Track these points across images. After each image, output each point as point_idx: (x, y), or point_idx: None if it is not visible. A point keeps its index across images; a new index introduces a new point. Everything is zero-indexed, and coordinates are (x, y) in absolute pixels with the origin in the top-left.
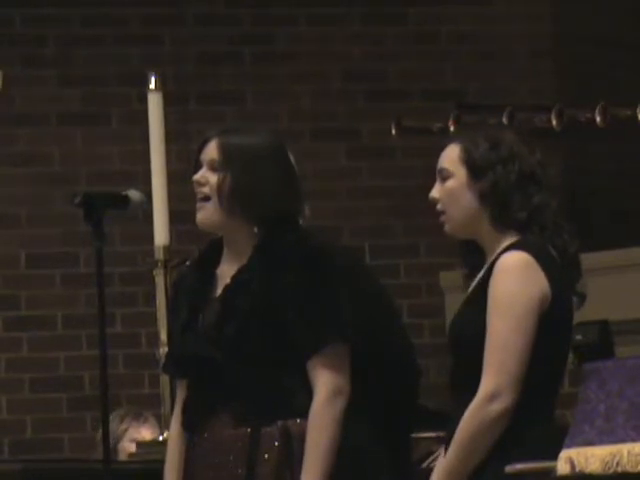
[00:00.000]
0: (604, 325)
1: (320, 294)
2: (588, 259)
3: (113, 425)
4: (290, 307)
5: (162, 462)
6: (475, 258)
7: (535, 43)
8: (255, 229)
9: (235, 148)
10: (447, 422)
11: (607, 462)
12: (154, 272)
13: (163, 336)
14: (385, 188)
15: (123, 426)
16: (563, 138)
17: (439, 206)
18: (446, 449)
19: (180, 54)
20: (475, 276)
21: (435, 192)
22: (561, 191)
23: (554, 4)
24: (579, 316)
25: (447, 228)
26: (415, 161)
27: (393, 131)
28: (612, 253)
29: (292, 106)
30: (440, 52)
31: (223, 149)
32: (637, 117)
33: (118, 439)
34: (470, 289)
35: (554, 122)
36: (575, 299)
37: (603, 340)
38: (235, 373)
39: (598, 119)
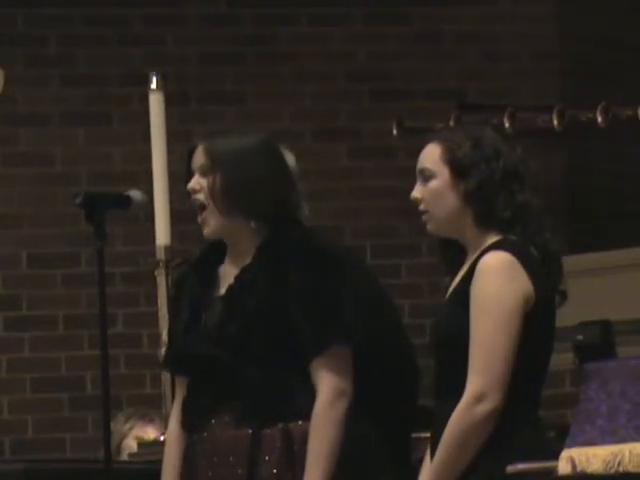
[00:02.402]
0: (606, 325)
1: (324, 294)
2: (590, 259)
3: (118, 424)
4: (293, 307)
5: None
6: (456, 257)
7: (538, 43)
8: (252, 224)
9: (221, 149)
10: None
11: (609, 462)
12: (156, 272)
13: (165, 336)
14: (387, 188)
15: (128, 425)
16: (564, 138)
17: (422, 206)
18: (432, 451)
19: (182, 54)
20: (455, 275)
21: (417, 192)
22: (562, 191)
23: (557, 5)
24: (581, 316)
25: (430, 228)
26: (417, 161)
27: (395, 131)
28: (614, 253)
29: (294, 106)
30: (443, 52)
31: (209, 152)
32: (638, 117)
33: (123, 437)
34: (451, 288)
35: (555, 122)
36: (557, 298)
37: (605, 340)
38: (238, 373)
39: (599, 119)
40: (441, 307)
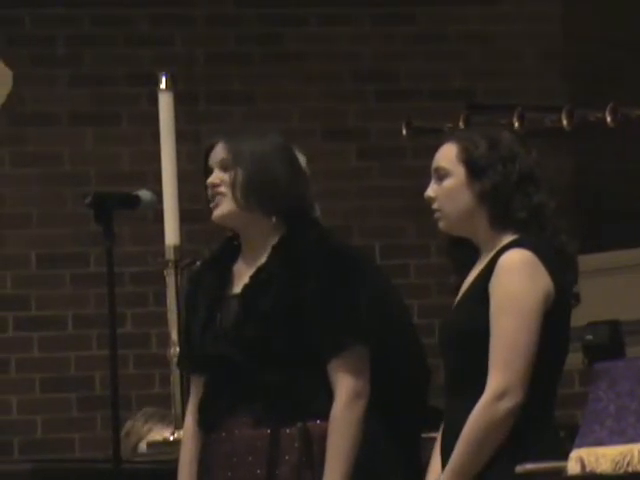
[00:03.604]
0: (615, 325)
1: (340, 295)
2: (599, 259)
3: (138, 424)
4: (310, 308)
5: (173, 462)
6: (466, 257)
7: (545, 43)
8: (273, 219)
9: (242, 145)
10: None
11: (618, 462)
12: (165, 272)
13: (174, 336)
14: (395, 188)
15: (147, 426)
16: (573, 138)
17: (435, 205)
18: (443, 449)
19: (190, 54)
20: (463, 274)
21: (431, 191)
22: (571, 191)
23: (564, 4)
24: (590, 316)
25: (442, 225)
26: (425, 161)
27: (403, 131)
28: (623, 253)
29: (302, 106)
30: (450, 52)
31: (231, 148)
32: None
33: (141, 438)
34: (465, 287)
35: (564, 122)
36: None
37: (614, 340)
38: (255, 374)
39: (608, 119)
40: (455, 306)
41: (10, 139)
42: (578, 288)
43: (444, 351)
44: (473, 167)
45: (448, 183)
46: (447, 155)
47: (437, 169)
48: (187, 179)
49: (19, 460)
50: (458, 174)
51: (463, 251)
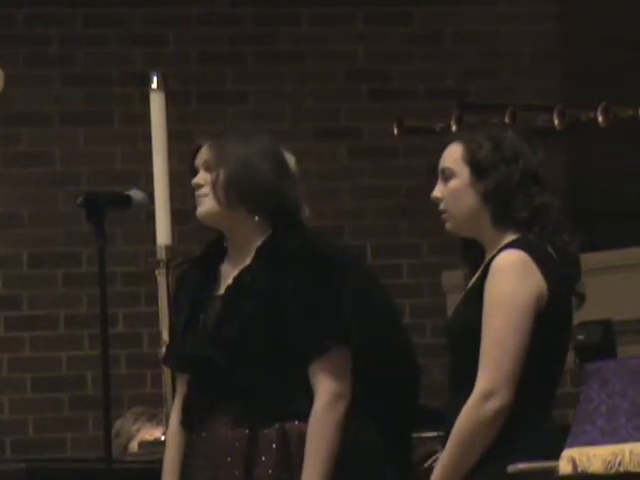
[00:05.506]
0: (607, 325)
1: (322, 297)
2: (591, 259)
3: (127, 424)
4: (292, 309)
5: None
6: (476, 256)
7: (539, 43)
8: (256, 218)
9: (226, 146)
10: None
11: (609, 462)
12: (156, 272)
13: (165, 336)
14: (387, 188)
15: (136, 426)
16: (565, 138)
17: (442, 206)
18: (444, 448)
19: (183, 54)
20: (475, 274)
21: (437, 192)
22: (563, 191)
23: (558, 4)
24: (582, 316)
25: (448, 226)
26: (417, 161)
27: (395, 131)
28: (615, 253)
29: (295, 106)
30: (443, 52)
31: (215, 149)
32: (639, 117)
33: (130, 438)
34: (468, 287)
35: (556, 122)
36: (574, 299)
37: (606, 340)
38: (235, 374)
39: (600, 119)
40: (456, 306)
41: (2, 139)
42: (583, 287)
43: (448, 351)
44: (477, 167)
45: (453, 184)
46: (452, 156)
47: (443, 170)
48: (179, 179)
49: (11, 460)
50: (463, 175)
51: (474, 252)
